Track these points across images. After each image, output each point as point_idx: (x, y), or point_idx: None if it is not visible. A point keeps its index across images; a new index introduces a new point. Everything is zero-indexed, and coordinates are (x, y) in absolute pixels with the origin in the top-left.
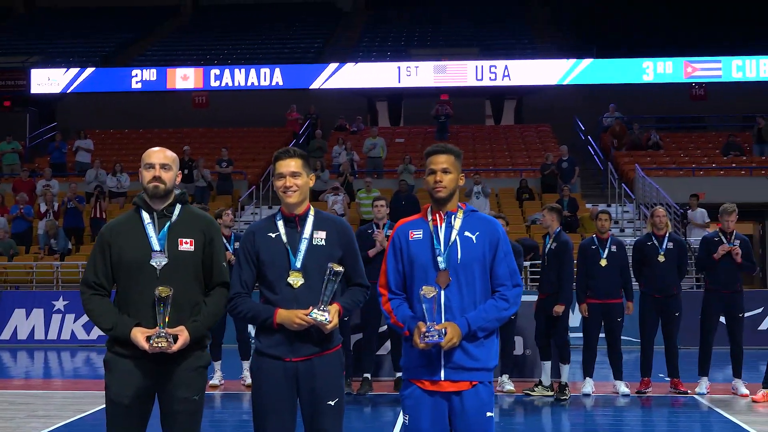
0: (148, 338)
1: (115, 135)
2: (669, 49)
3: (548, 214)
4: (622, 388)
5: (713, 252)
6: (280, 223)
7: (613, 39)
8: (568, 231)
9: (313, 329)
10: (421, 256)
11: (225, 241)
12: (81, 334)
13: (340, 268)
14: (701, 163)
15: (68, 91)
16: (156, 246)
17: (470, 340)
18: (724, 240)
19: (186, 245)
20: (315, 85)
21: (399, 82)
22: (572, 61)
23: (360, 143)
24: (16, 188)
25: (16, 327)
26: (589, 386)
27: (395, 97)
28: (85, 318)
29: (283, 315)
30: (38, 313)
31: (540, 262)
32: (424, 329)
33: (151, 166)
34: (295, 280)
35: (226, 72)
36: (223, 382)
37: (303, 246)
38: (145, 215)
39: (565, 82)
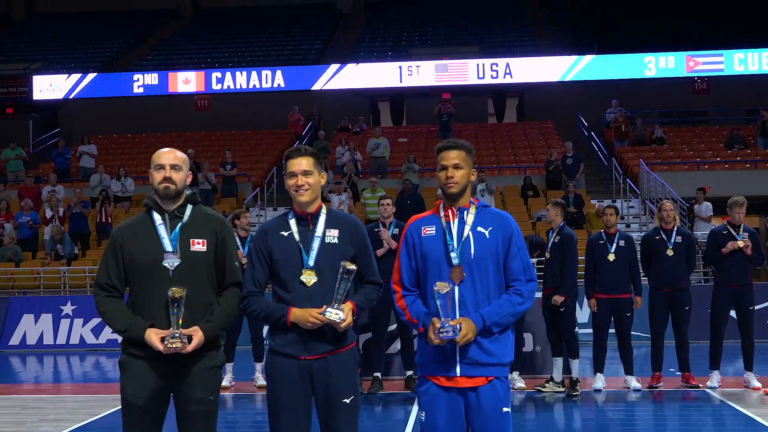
0: (163, 339)
1: (118, 140)
2: (670, 44)
3: (552, 209)
4: (633, 383)
5: (722, 245)
6: (293, 222)
7: (614, 34)
8: (574, 227)
9: (327, 327)
10: (434, 252)
11: (240, 243)
12: (90, 338)
13: (353, 267)
14: (705, 157)
15: (70, 97)
16: (168, 247)
17: (485, 335)
18: (733, 233)
19: (198, 246)
20: (317, 87)
21: (401, 81)
22: (574, 57)
23: (363, 143)
24: (21, 194)
25: (25, 332)
26: (600, 382)
27: (397, 97)
28: (93, 322)
29: (296, 314)
30: (47, 318)
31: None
32: (438, 325)
33: (161, 167)
34: (308, 278)
35: (228, 75)
36: (233, 383)
37: (316, 244)
38: (157, 216)
39: (567, 79)
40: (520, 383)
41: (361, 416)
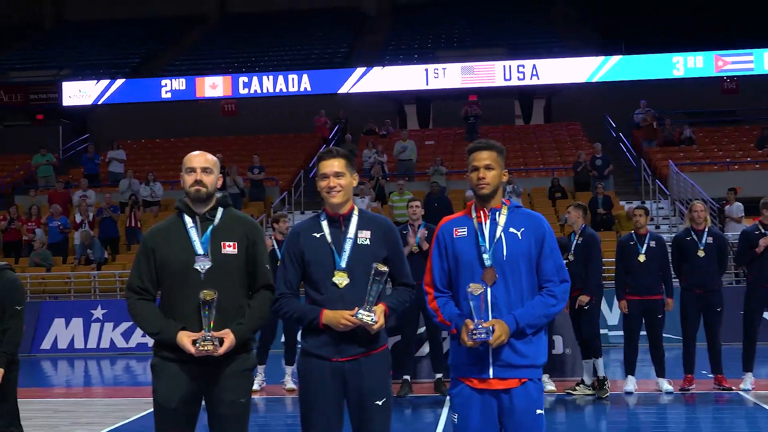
0: (194, 342)
1: (146, 145)
2: (699, 43)
3: (573, 212)
4: (665, 385)
5: (754, 246)
6: (325, 223)
7: (641, 34)
8: (603, 229)
9: (359, 329)
10: (466, 254)
11: (277, 246)
12: (120, 342)
13: (384, 269)
14: (735, 157)
15: (99, 103)
16: (200, 250)
17: (518, 337)
18: (765, 233)
19: (229, 248)
20: (343, 90)
21: (427, 84)
22: (601, 58)
23: (390, 146)
24: (51, 200)
25: (56, 337)
26: (631, 384)
27: (424, 100)
28: (124, 326)
29: (329, 315)
30: (77, 323)
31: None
32: (471, 327)
33: (192, 170)
34: (341, 279)
35: (255, 79)
36: (263, 386)
37: (348, 246)
38: (188, 219)
39: (594, 80)
40: (551, 386)
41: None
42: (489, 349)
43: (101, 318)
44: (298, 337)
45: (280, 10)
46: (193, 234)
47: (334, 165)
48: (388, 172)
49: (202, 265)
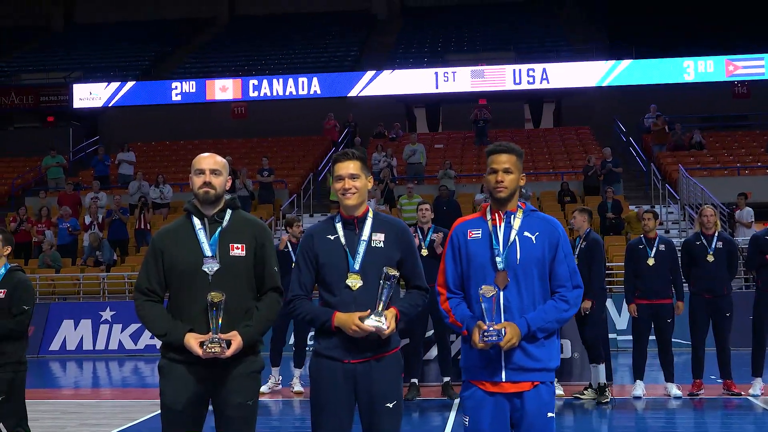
0: (202, 344)
1: (156, 147)
2: (710, 48)
3: (579, 216)
4: (674, 390)
5: (764, 251)
6: (339, 226)
7: (651, 38)
8: (613, 233)
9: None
10: (479, 256)
11: (291, 249)
12: (128, 344)
13: (395, 272)
14: (746, 162)
15: (110, 105)
16: (208, 252)
17: (530, 340)
18: None
19: (237, 250)
20: (353, 93)
21: (436, 87)
22: (611, 62)
23: (399, 150)
24: (61, 202)
25: (65, 338)
26: (639, 389)
27: (433, 103)
28: (132, 328)
29: (341, 318)
30: (86, 324)
31: None
32: (484, 328)
33: (202, 171)
34: (354, 282)
35: (264, 82)
36: (272, 388)
37: (361, 248)
38: (197, 221)
39: (604, 84)
40: (559, 390)
41: None
42: (501, 352)
43: (110, 320)
44: (308, 340)
45: (289, 13)
46: (202, 236)
47: (349, 167)
48: (398, 176)
49: (210, 267)
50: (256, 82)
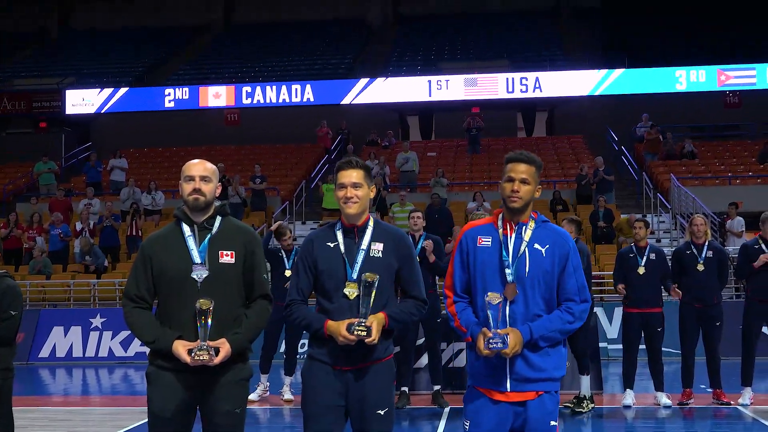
0: (190, 351)
1: (149, 153)
2: (702, 58)
3: (567, 226)
4: (664, 399)
5: (753, 260)
6: (339, 234)
7: (644, 48)
8: (605, 242)
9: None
10: (488, 265)
11: (285, 255)
12: (118, 351)
13: (374, 278)
14: (737, 171)
15: (102, 111)
16: (197, 259)
17: (534, 350)
18: (765, 248)
19: (227, 258)
20: (346, 101)
21: (430, 95)
22: (604, 71)
23: (392, 158)
24: (53, 208)
25: (54, 345)
26: (629, 398)
27: (426, 111)
28: (122, 335)
29: (332, 327)
30: (76, 331)
31: None
32: (490, 335)
33: (191, 178)
34: (351, 291)
35: (258, 89)
36: (261, 395)
37: (360, 257)
38: (186, 228)
39: (596, 93)
40: None
41: None
42: (506, 362)
43: (100, 326)
44: (299, 348)
45: (285, 21)
46: (191, 243)
47: (352, 176)
48: (390, 183)
49: (199, 274)
50: (249, 89)
